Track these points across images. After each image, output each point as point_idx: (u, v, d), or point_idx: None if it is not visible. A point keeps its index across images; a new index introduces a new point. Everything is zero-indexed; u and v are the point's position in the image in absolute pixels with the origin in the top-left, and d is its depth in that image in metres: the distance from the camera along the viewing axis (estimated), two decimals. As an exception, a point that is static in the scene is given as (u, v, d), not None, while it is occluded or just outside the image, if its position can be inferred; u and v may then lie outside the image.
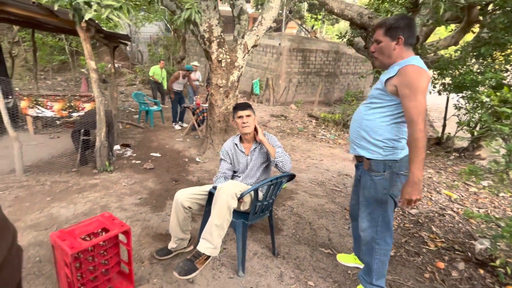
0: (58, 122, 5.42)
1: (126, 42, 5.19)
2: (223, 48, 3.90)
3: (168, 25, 12.27)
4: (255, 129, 2.09)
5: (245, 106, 2.09)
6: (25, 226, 2.29)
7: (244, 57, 4.06)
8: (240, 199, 1.82)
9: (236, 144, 2.17)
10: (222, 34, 3.87)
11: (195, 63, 7.24)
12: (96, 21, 3.17)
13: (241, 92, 6.80)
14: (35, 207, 2.59)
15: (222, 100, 4.11)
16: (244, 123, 2.04)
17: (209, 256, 1.75)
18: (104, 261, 1.69)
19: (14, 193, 2.82)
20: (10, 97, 4.65)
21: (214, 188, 1.97)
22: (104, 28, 3.80)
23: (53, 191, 2.91)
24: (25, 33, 9.87)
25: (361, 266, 2.00)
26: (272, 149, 2.02)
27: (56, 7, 2.46)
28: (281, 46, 9.47)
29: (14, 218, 2.39)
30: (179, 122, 6.11)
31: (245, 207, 1.95)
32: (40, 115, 4.77)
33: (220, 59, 3.91)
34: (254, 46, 4.10)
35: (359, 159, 1.70)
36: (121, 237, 1.69)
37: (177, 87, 6.01)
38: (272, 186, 1.90)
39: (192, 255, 1.75)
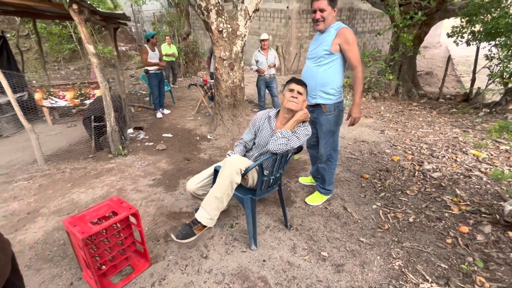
0: (73, 111, 5.57)
1: (125, 22, 5.02)
2: (223, 17, 3.65)
3: (170, 0, 11.75)
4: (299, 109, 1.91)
5: (301, 83, 1.92)
6: (49, 212, 2.43)
7: (246, 24, 3.80)
8: (244, 175, 1.77)
9: (269, 117, 2.01)
10: (220, 1, 3.61)
11: (264, 36, 4.85)
12: (89, 2, 3.04)
13: (248, 65, 6.48)
14: (57, 194, 2.73)
15: (227, 73, 3.94)
16: (292, 97, 1.87)
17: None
18: (120, 242, 1.76)
19: (38, 181, 2.97)
20: (24, 90, 4.78)
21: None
22: (100, 9, 3.66)
23: (73, 178, 3.04)
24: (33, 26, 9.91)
25: (314, 184, 2.69)
26: (287, 126, 1.86)
27: (43, -9, 2.36)
28: (289, 9, 8.81)
29: (40, 205, 2.54)
30: (160, 109, 5.26)
31: (251, 183, 1.90)
32: (54, 105, 4.89)
33: (220, 29, 3.68)
34: (256, 10, 3.80)
35: (315, 106, 2.19)
36: (133, 219, 1.73)
37: (153, 66, 4.86)
38: (277, 160, 1.82)
39: (191, 221, 1.81)
